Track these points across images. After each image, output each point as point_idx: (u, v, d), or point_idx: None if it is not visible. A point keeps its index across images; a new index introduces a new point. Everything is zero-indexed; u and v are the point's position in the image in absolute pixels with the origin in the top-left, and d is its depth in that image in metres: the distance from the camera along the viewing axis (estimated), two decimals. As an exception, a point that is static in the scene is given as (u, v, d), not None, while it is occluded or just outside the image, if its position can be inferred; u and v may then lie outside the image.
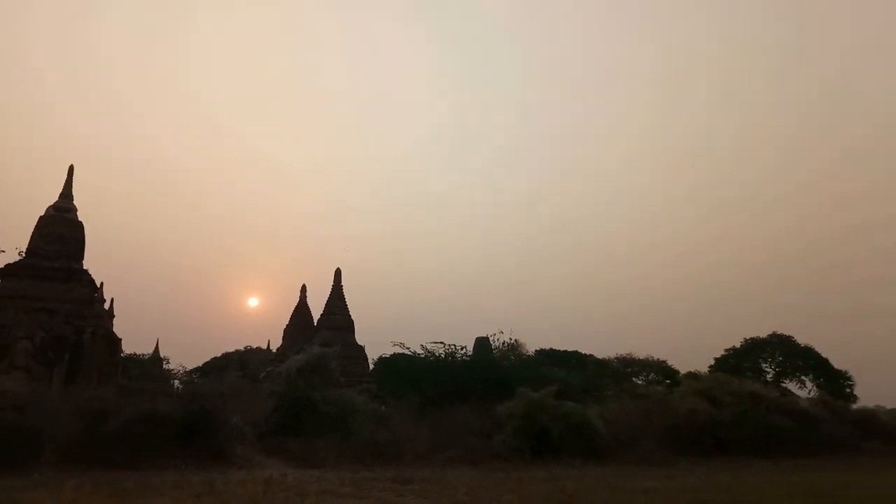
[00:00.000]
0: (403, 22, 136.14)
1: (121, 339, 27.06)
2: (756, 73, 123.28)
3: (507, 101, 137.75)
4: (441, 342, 27.61)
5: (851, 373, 41.93)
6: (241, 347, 60.48)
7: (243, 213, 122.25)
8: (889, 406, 42.14)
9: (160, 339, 48.50)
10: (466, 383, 24.08)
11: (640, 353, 48.01)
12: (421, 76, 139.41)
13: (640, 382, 42.70)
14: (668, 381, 40.87)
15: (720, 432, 21.94)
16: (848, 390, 41.04)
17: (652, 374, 46.27)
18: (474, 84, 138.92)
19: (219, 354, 57.78)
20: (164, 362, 47.85)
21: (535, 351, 39.87)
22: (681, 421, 22.04)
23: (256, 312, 78.00)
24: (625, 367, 46.43)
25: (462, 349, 28.17)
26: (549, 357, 40.69)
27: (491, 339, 33.30)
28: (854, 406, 34.80)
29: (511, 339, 34.10)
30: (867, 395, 42.34)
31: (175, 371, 48.15)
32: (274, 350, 49.09)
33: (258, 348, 58.20)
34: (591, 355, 45.89)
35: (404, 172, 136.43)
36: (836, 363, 42.23)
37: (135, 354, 44.96)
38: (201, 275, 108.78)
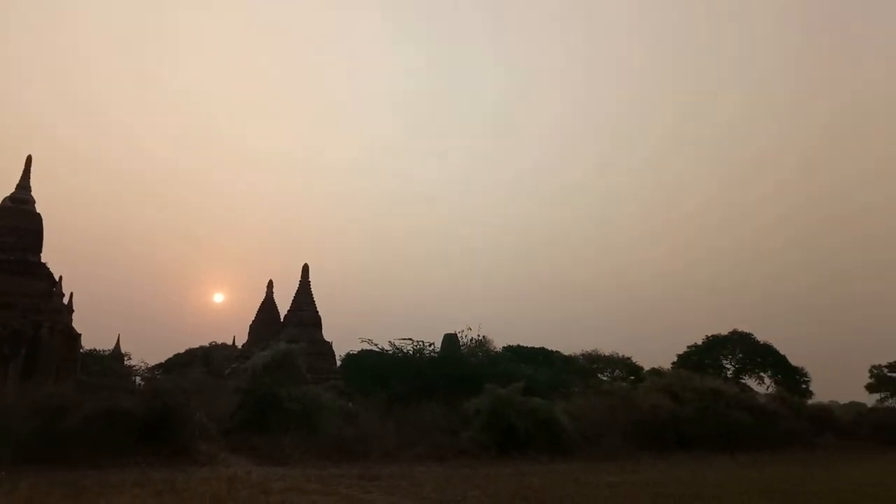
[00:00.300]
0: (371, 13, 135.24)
1: (80, 335, 26.37)
2: (707, 75, 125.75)
3: (484, 98, 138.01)
4: (409, 339, 27.63)
5: (807, 369, 43.33)
6: (206, 343, 59.50)
7: (209, 207, 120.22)
8: (842, 401, 43.68)
9: (121, 335, 47.46)
10: (434, 380, 24.12)
11: (606, 350, 48.85)
12: (397, 69, 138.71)
13: (605, 379, 43.38)
14: (632, 378, 41.62)
15: (682, 428, 22.42)
16: (804, 386, 42.36)
17: (617, 370, 47.08)
18: (450, 80, 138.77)
19: (182, 350, 56.77)
20: (126, 358, 46.86)
21: (503, 347, 40.07)
22: (644, 417, 22.44)
23: (222, 308, 76.78)
24: (590, 364, 47.13)
25: (430, 346, 28.21)
26: (517, 353, 40.97)
27: (459, 335, 33.34)
28: (809, 401, 35.90)
29: (479, 335, 34.20)
30: (822, 391, 43.79)
31: (137, 367, 47.11)
32: (239, 346, 48.38)
33: (223, 344, 57.38)
34: (557, 352, 46.40)
35: (375, 166, 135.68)
36: (793, 360, 43.57)
37: (95, 350, 43.92)
38: (165, 270, 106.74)
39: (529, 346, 46.35)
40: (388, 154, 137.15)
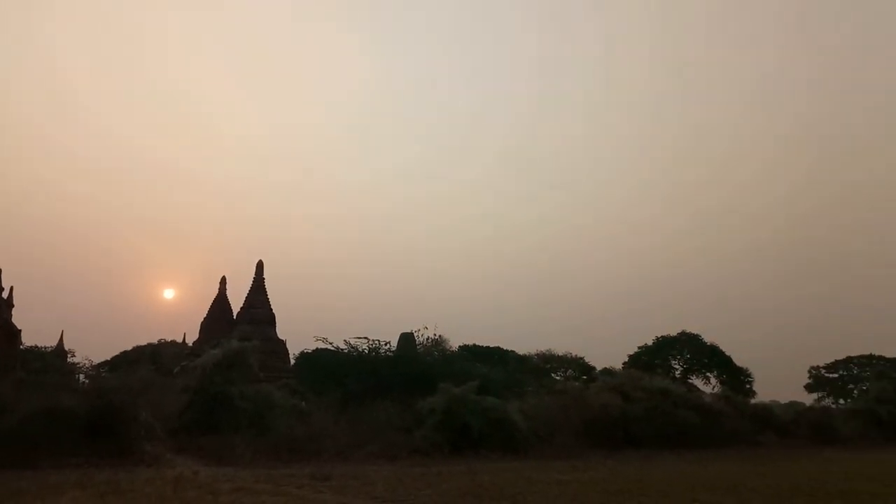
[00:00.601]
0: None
1: (20, 331, 25.42)
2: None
3: (438, 88, 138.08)
4: (365, 338, 27.53)
5: (751, 370, 44.93)
6: (155, 341, 57.93)
7: (158, 200, 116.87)
8: (782, 401, 45.39)
9: (65, 332, 45.71)
10: (389, 378, 24.10)
11: (560, 350, 49.64)
12: (353, 55, 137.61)
13: (558, 378, 44.07)
14: (584, 377, 42.36)
15: (631, 426, 22.97)
16: (748, 386, 43.89)
17: (570, 370, 47.90)
18: (409, 70, 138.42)
19: (130, 348, 55.10)
20: (70, 355, 45.13)
21: (459, 347, 40.32)
22: (595, 416, 22.90)
23: (172, 304, 74.64)
24: (545, 364, 47.82)
25: (386, 344, 28.18)
26: (473, 353, 41.29)
27: (415, 334, 33.42)
28: (752, 401, 37.13)
29: (435, 334, 34.35)
30: (764, 391, 45.48)
31: (81, 365, 45.42)
32: (190, 344, 47.33)
33: (173, 342, 55.97)
34: (512, 351, 46.91)
35: (335, 157, 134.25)
36: (738, 361, 45.10)
37: (36, 347, 42.18)
38: (112, 264, 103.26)
39: (485, 345, 46.76)
40: (347, 144, 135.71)
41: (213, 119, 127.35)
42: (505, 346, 47.59)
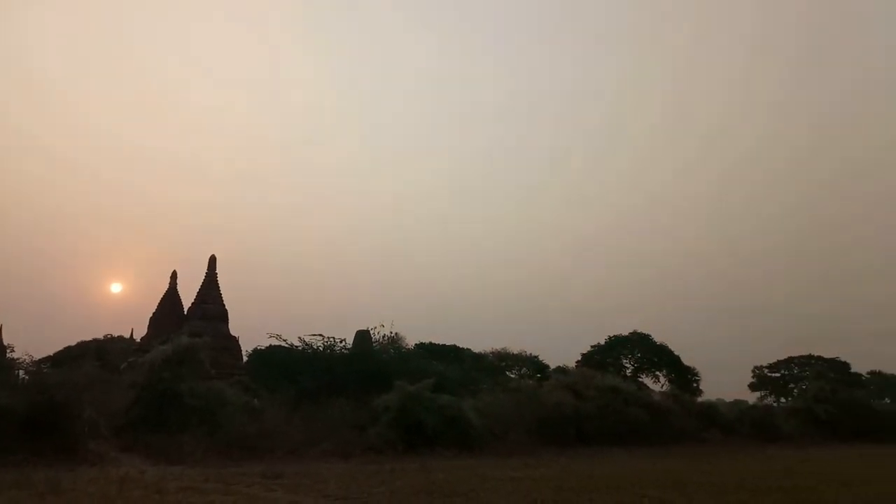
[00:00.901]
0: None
1: (-46, 325, 24.21)
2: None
3: (395, 81, 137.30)
4: (320, 335, 27.20)
5: (698, 369, 46.29)
6: (101, 336, 56.03)
7: (106, 192, 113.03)
8: (728, 399, 46.95)
9: (4, 326, 43.76)
10: (344, 376, 23.88)
11: (515, 348, 50.16)
12: (309, 55, 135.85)
13: (513, 376, 44.54)
14: (538, 375, 42.96)
15: (583, 424, 23.34)
16: (695, 385, 45.22)
17: (525, 368, 48.50)
18: (364, 62, 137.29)
19: (74, 343, 53.11)
20: (9, 350, 43.21)
21: (416, 345, 40.29)
22: (549, 413, 23.18)
23: (119, 299, 72.19)
24: (500, 362, 48.27)
25: (342, 342, 27.91)
26: (429, 350, 41.31)
27: (372, 332, 33.22)
28: (699, 399, 38.24)
29: (392, 332, 34.23)
30: (710, 390, 46.95)
31: (21, 360, 43.57)
32: (138, 339, 45.96)
33: (120, 337, 54.24)
34: (468, 349, 47.12)
35: (288, 149, 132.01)
36: (686, 360, 46.40)
37: (-29, 342, 40.23)
38: (55, 257, 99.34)
39: (441, 343, 46.85)
40: (301, 137, 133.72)
41: (163, 110, 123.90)
42: (461, 345, 47.83)
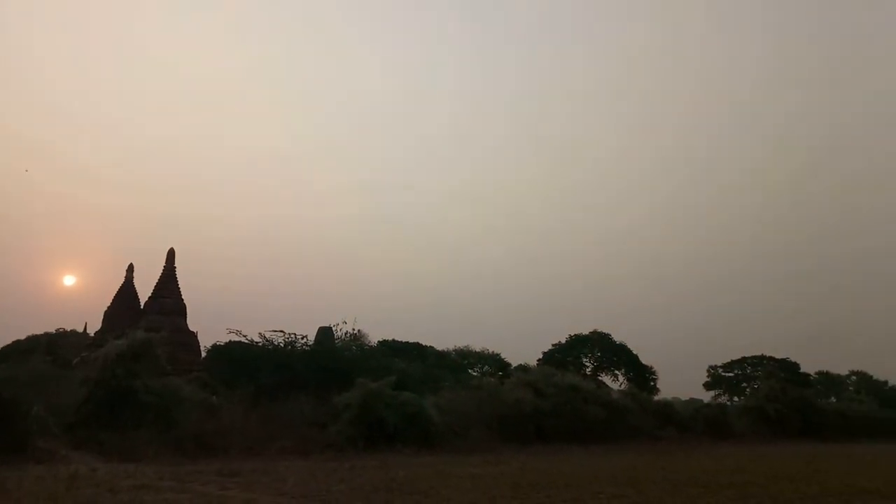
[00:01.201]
0: None
1: None
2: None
3: (344, 72, 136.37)
4: (281, 331, 26.89)
5: (655, 368, 47.33)
6: (52, 330, 54.22)
7: (59, 179, 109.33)
8: (683, 398, 48.17)
9: (-53, 319, 42.10)
10: (305, 373, 23.67)
11: (477, 346, 50.40)
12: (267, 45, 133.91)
13: (475, 374, 44.76)
14: (500, 373, 43.25)
15: (543, 421, 23.64)
16: (652, 383, 46.22)
17: (487, 366, 48.75)
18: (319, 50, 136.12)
19: (23, 337, 51.31)
20: (-47, 344, 41.62)
21: (378, 342, 40.16)
22: (509, 411, 23.41)
23: (73, 292, 69.91)
24: (462, 359, 48.44)
25: (303, 338, 27.64)
26: (391, 348, 41.23)
27: (334, 329, 32.97)
28: (656, 398, 39.10)
29: (354, 329, 34.04)
30: (666, 388, 48.09)
31: (-35, 354, 42.02)
32: (92, 334, 44.63)
33: (73, 331, 52.55)
34: (431, 347, 47.17)
35: (236, 148, 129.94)
36: (644, 359, 47.39)
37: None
38: (3, 247, 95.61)
39: (404, 341, 46.79)
40: (262, 130, 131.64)
41: (121, 98, 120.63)
42: (424, 342, 47.85)
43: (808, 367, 58.63)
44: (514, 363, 47.24)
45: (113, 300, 43.48)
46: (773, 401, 34.09)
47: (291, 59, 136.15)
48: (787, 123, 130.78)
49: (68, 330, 53.84)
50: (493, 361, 49.03)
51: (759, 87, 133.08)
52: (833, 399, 56.03)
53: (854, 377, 62.90)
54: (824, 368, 63.32)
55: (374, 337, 38.53)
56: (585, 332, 49.20)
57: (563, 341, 49.21)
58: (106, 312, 43.05)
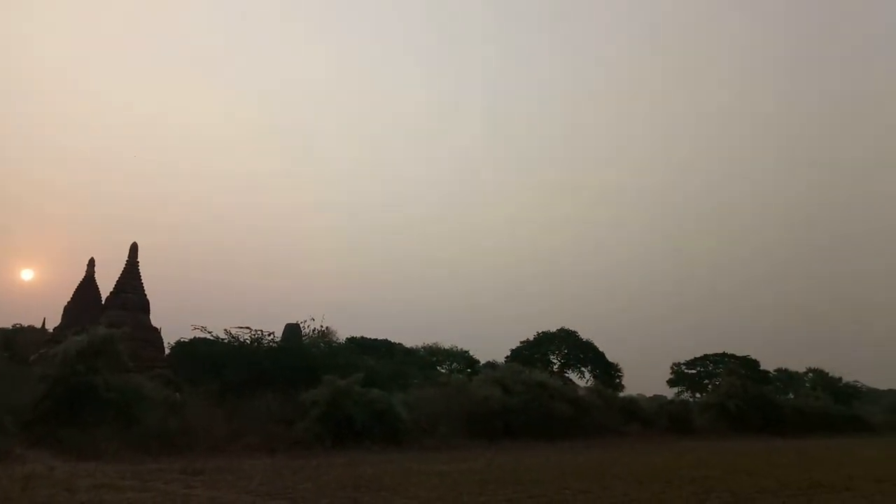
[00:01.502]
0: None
1: None
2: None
3: (320, 64, 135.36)
4: (247, 327, 26.51)
5: (621, 365, 48.08)
6: (9, 325, 52.72)
7: (16, 169, 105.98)
8: (648, 395, 49.01)
9: None
10: (272, 370, 23.37)
11: (446, 344, 50.53)
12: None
13: (444, 371, 44.89)
14: (469, 370, 43.46)
15: (510, 418, 23.80)
16: (617, 380, 46.96)
17: (455, 363, 48.94)
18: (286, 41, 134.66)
19: (-23, 333, 49.68)
20: None
21: (347, 339, 39.96)
22: (477, 407, 23.52)
23: (30, 286, 67.85)
24: (431, 356, 48.55)
25: (270, 335, 27.28)
26: (360, 345, 41.11)
27: (302, 325, 32.67)
28: (621, 394, 39.73)
29: (322, 326, 33.79)
30: (631, 385, 48.90)
31: (-85, 351, 40.46)
32: (50, 330, 43.44)
33: (30, 327, 51.16)
34: (400, 344, 47.16)
35: (209, 143, 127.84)
36: (610, 356, 48.11)
37: None
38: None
39: (373, 338, 46.67)
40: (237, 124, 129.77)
41: (78, 85, 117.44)
42: (393, 339, 47.80)
43: (768, 364, 60.26)
44: (483, 360, 47.68)
45: (73, 295, 42.40)
46: (734, 397, 34.86)
47: (241, 44, 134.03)
48: (754, 126, 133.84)
49: (26, 326, 52.43)
50: (462, 358, 49.25)
51: (740, 75, 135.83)
52: (791, 395, 57.56)
53: (811, 374, 64.75)
54: (783, 366, 65.11)
55: (343, 334, 38.39)
56: (553, 329, 49.74)
57: (531, 339, 49.68)
58: (66, 308, 41.97)
